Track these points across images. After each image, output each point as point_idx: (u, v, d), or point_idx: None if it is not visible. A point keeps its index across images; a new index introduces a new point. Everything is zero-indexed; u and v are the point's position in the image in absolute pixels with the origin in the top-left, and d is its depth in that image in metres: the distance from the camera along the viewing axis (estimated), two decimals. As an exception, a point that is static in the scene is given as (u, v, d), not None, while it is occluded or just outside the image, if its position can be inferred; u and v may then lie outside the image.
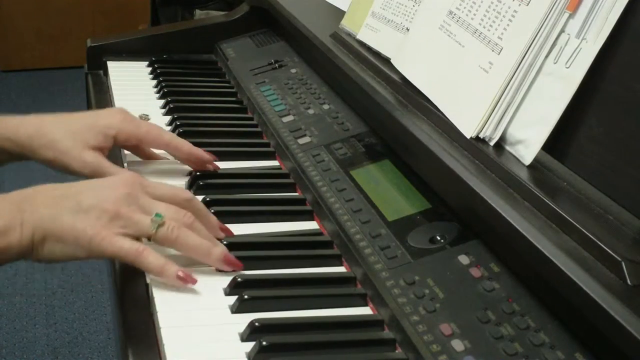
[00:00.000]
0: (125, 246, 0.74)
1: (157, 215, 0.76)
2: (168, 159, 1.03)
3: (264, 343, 0.67)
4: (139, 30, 1.64)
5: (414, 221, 0.83)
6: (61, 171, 0.93)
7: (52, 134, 0.92)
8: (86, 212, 0.74)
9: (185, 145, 0.99)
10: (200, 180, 0.97)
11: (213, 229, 0.83)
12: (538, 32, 0.76)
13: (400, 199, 0.88)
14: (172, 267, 0.75)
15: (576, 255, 0.63)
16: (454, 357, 0.66)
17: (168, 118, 1.18)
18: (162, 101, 1.25)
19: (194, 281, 0.76)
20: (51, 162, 0.92)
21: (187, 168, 1.01)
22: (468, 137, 0.80)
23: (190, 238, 0.77)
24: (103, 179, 0.80)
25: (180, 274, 0.75)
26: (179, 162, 1.02)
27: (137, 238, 0.77)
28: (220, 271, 0.80)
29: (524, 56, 0.77)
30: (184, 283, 0.75)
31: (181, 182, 0.99)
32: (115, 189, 0.77)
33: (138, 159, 1.03)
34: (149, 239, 0.77)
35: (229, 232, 0.85)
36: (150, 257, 0.75)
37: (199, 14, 2.54)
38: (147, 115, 1.10)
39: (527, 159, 0.75)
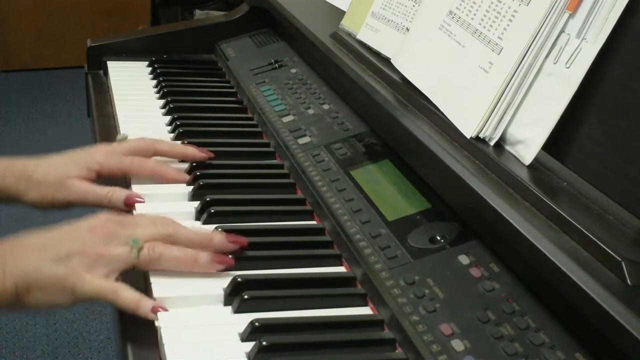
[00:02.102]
0: (103, 287, 0.75)
1: (133, 241, 0.77)
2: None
3: (264, 343, 0.67)
4: (139, 30, 1.64)
5: (414, 221, 0.83)
6: (49, 209, 0.94)
7: (36, 175, 0.93)
8: (67, 259, 0.75)
9: (169, 171, 0.99)
10: (201, 180, 0.97)
11: (222, 246, 0.82)
12: (538, 32, 0.76)
13: (400, 199, 0.88)
14: (147, 302, 0.74)
15: (576, 255, 0.63)
16: (454, 357, 0.66)
17: (168, 118, 1.18)
18: (162, 101, 1.25)
19: (165, 309, 0.75)
20: (38, 201, 0.93)
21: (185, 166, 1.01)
22: (468, 137, 0.80)
23: (173, 251, 0.78)
24: (81, 222, 0.80)
25: (154, 307, 0.74)
26: (178, 160, 1.02)
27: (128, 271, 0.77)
28: (220, 270, 0.80)
29: (524, 56, 0.77)
30: (157, 315, 0.74)
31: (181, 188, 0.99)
32: (92, 232, 0.78)
33: None
34: (133, 268, 0.77)
35: (241, 242, 0.83)
36: (125, 294, 0.75)
37: (199, 14, 2.54)
38: (125, 135, 1.10)
39: (527, 159, 0.75)
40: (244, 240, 0.82)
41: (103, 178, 0.97)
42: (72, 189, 0.93)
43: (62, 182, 0.93)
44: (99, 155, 0.98)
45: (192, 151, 1.02)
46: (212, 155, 1.03)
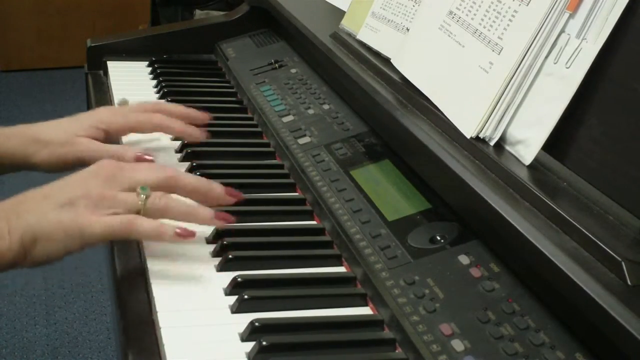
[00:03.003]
0: (115, 222, 0.74)
1: (142, 188, 0.77)
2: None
3: (264, 343, 0.67)
4: (139, 30, 1.64)
5: (414, 221, 0.83)
6: (58, 169, 0.94)
7: (44, 135, 0.93)
8: (71, 204, 0.74)
9: (176, 125, 1.00)
10: (200, 180, 0.97)
11: (221, 196, 0.84)
12: (538, 32, 0.76)
13: (400, 199, 0.88)
14: (168, 227, 0.76)
15: (576, 255, 0.63)
16: (454, 357, 0.66)
17: (168, 118, 1.18)
18: (162, 101, 1.25)
19: (193, 234, 0.77)
20: (46, 162, 0.93)
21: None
22: (468, 137, 0.80)
23: (179, 203, 0.79)
24: (80, 172, 0.80)
25: (178, 230, 0.76)
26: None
27: None
28: (220, 271, 0.80)
29: (524, 56, 0.77)
30: (184, 239, 0.76)
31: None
32: (94, 176, 0.78)
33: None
34: (137, 214, 0.77)
35: (238, 196, 0.85)
36: (144, 223, 0.75)
37: (199, 14, 2.55)
38: (125, 100, 1.11)
39: (527, 159, 0.75)
40: (241, 195, 0.83)
41: (110, 138, 0.97)
42: (83, 146, 0.93)
43: (72, 141, 0.93)
44: (105, 114, 0.98)
45: (195, 115, 1.03)
46: (208, 134, 1.04)
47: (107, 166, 0.79)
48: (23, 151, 0.92)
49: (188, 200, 0.82)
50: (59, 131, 0.94)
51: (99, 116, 0.98)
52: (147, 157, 0.94)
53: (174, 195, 0.80)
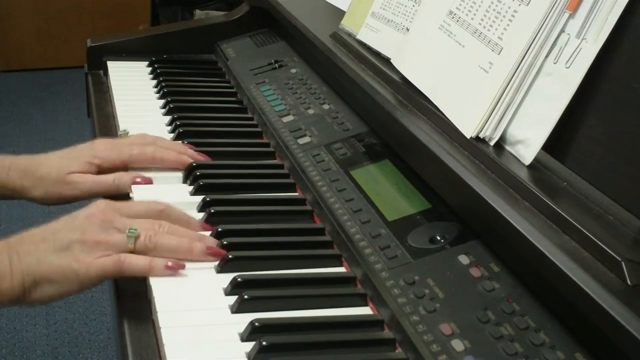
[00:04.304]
0: (107, 263, 0.77)
1: (130, 230, 0.79)
2: None
3: (264, 343, 0.67)
4: (139, 30, 1.64)
5: (414, 221, 0.83)
6: (57, 204, 0.97)
7: (39, 171, 0.95)
8: (67, 248, 0.77)
9: (170, 155, 1.00)
10: (201, 180, 0.97)
11: (195, 230, 0.86)
12: (538, 32, 0.76)
13: (400, 199, 0.88)
14: (159, 261, 0.78)
15: (576, 255, 0.63)
16: (454, 357, 0.66)
17: (168, 118, 1.18)
18: (162, 101, 1.25)
19: (183, 266, 0.79)
20: (43, 198, 0.96)
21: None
22: (468, 137, 0.80)
23: (169, 240, 0.80)
24: (78, 212, 0.82)
25: (169, 264, 0.78)
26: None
27: None
28: (219, 272, 0.80)
29: (524, 56, 0.77)
30: (174, 271, 0.78)
31: (180, 183, 0.99)
32: (90, 220, 0.79)
33: None
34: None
35: (210, 229, 0.87)
36: (133, 260, 0.77)
37: (199, 14, 2.55)
38: (126, 131, 1.10)
39: (527, 159, 0.75)
40: (225, 253, 0.82)
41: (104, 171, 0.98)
42: (76, 184, 0.95)
43: (64, 179, 0.95)
44: (100, 148, 0.99)
45: (191, 154, 1.03)
46: (208, 158, 1.04)
47: (104, 209, 0.81)
48: (20, 184, 0.95)
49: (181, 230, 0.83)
50: (52, 169, 0.96)
51: (94, 151, 0.98)
52: (143, 182, 0.96)
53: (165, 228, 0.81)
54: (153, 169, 1.00)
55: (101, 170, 0.98)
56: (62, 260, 0.76)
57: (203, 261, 0.81)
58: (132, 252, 0.78)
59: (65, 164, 0.96)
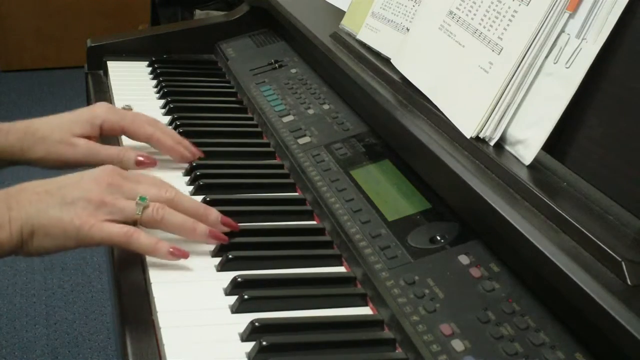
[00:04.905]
0: (115, 230, 0.76)
1: (141, 198, 0.78)
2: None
3: (264, 343, 0.67)
4: (139, 30, 1.64)
5: (414, 221, 0.83)
6: (55, 167, 0.95)
7: (40, 131, 0.94)
8: (71, 204, 0.76)
9: (167, 140, 1.00)
10: (201, 180, 0.97)
11: (216, 223, 0.84)
12: (538, 32, 0.76)
13: (400, 199, 0.88)
14: (164, 245, 0.78)
15: (576, 255, 0.63)
16: (454, 357, 0.66)
17: (168, 118, 1.18)
18: (162, 101, 1.25)
19: (186, 254, 0.79)
20: (43, 159, 0.94)
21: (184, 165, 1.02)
22: (468, 137, 0.80)
23: (175, 217, 0.80)
24: (84, 172, 0.81)
25: (172, 249, 0.78)
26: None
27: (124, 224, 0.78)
28: (220, 271, 0.80)
29: (524, 56, 0.77)
30: (177, 258, 0.78)
31: (180, 183, 0.99)
32: (97, 180, 0.79)
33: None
34: (134, 223, 0.79)
35: (233, 226, 0.85)
36: (141, 237, 0.77)
37: (199, 14, 2.55)
38: (130, 106, 1.11)
39: (527, 159, 0.75)
40: (236, 225, 0.84)
41: (104, 136, 0.98)
42: (82, 148, 0.94)
43: (70, 141, 0.94)
44: (102, 110, 0.99)
45: (187, 144, 1.02)
46: (202, 154, 1.04)
47: (111, 173, 0.80)
48: (20, 146, 0.93)
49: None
50: (55, 128, 0.95)
51: (96, 112, 0.98)
52: (147, 161, 0.95)
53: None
54: (152, 170, 0.99)
55: (102, 131, 0.97)
56: (64, 214, 0.75)
57: (204, 242, 0.82)
58: (138, 220, 0.78)
59: (66, 125, 0.95)
